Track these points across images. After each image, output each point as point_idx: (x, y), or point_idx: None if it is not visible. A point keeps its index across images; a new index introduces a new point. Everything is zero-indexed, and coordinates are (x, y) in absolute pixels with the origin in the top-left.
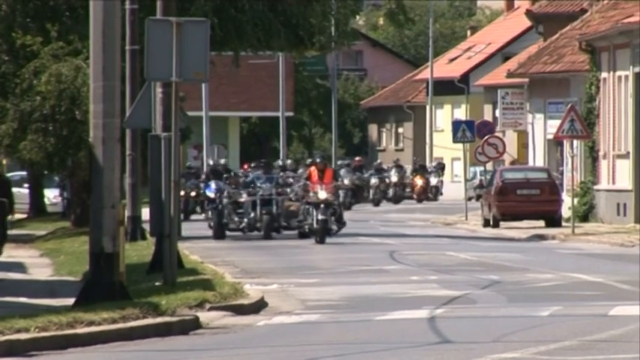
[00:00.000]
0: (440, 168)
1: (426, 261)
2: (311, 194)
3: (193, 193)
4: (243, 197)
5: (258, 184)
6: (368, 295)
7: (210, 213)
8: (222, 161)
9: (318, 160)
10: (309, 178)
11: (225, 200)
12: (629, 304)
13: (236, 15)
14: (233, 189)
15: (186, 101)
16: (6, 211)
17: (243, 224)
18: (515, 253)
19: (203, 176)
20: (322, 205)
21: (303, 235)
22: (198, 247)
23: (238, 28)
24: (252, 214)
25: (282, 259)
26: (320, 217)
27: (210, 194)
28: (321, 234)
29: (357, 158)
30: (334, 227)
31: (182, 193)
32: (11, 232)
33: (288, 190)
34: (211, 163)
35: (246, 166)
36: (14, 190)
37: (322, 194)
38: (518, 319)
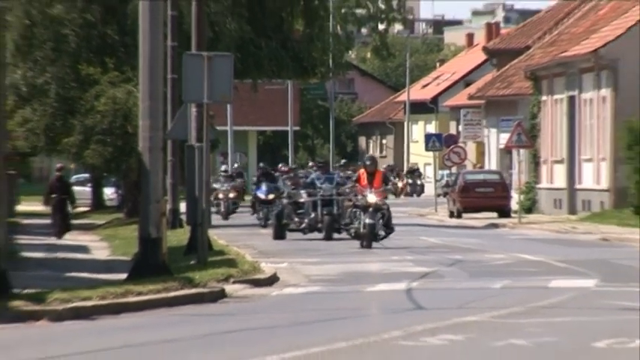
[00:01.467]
0: (414, 170)
1: (404, 244)
2: (359, 197)
3: (232, 195)
4: (304, 197)
5: (318, 185)
6: (359, 271)
7: (261, 213)
8: (236, 165)
9: (367, 162)
10: (358, 181)
11: (285, 200)
12: (564, 278)
13: (255, 51)
14: (293, 189)
15: (215, 118)
16: (67, 206)
17: (304, 225)
18: (474, 238)
19: (254, 178)
20: (371, 209)
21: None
22: (225, 233)
23: (257, 61)
24: (312, 215)
25: (289, 243)
26: (368, 221)
27: (261, 195)
28: (368, 239)
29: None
30: (382, 232)
31: (221, 195)
32: (76, 221)
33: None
34: (236, 165)
35: (284, 168)
36: (80, 188)
37: (371, 198)
38: (477, 290)
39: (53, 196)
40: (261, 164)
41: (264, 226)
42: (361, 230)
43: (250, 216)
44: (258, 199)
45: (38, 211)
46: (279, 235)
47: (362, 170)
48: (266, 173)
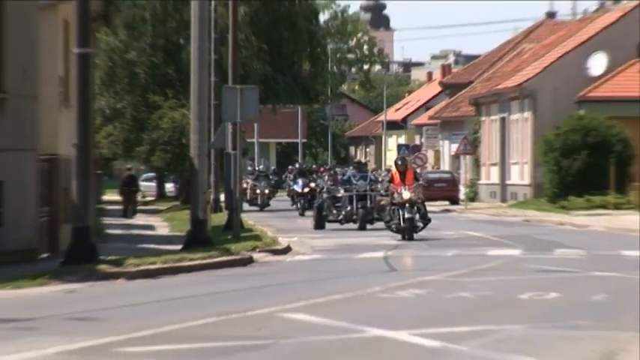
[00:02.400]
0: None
1: (382, 225)
2: (395, 195)
3: (267, 191)
4: (341, 193)
5: (354, 182)
6: (349, 244)
7: (299, 204)
8: (261, 167)
9: (399, 162)
10: (391, 180)
11: (324, 195)
12: (498, 249)
13: (274, 84)
14: (331, 185)
15: (245, 133)
16: (136, 196)
17: (341, 216)
18: (433, 220)
19: (291, 175)
20: (407, 205)
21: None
22: (253, 216)
23: (275, 92)
24: (348, 208)
25: (301, 223)
26: (407, 215)
27: (298, 189)
28: (409, 232)
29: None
30: (420, 224)
31: (258, 191)
32: (144, 207)
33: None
34: (261, 167)
35: (322, 168)
36: (148, 183)
37: (406, 194)
38: (435, 257)
39: (125, 188)
40: (297, 164)
41: (302, 214)
42: (401, 225)
43: (291, 206)
44: (296, 192)
45: (117, 200)
46: (319, 225)
47: (394, 170)
48: (301, 171)
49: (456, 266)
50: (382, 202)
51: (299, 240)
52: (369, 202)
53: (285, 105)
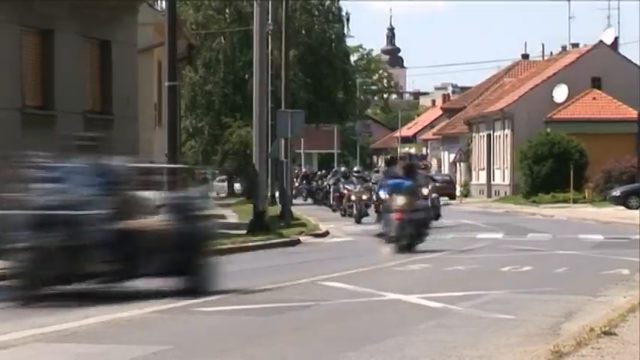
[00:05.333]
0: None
1: None
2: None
3: (364, 197)
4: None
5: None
6: (374, 229)
7: (354, 209)
8: (356, 168)
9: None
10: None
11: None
12: (485, 233)
13: (316, 109)
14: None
15: (294, 145)
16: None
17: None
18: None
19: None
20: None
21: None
22: (301, 208)
23: (317, 114)
24: None
25: (334, 216)
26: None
27: (383, 195)
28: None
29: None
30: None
31: (353, 197)
32: (217, 202)
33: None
34: (305, 170)
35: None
36: (221, 184)
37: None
38: (438, 239)
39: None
40: (356, 168)
41: (359, 222)
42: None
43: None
44: (380, 199)
45: None
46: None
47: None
48: (345, 175)
49: (453, 246)
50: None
51: (335, 226)
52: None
53: (324, 124)
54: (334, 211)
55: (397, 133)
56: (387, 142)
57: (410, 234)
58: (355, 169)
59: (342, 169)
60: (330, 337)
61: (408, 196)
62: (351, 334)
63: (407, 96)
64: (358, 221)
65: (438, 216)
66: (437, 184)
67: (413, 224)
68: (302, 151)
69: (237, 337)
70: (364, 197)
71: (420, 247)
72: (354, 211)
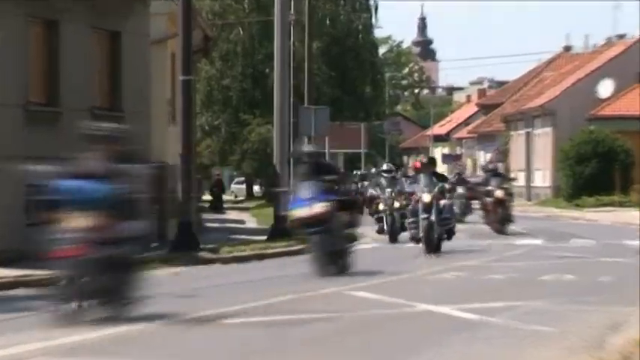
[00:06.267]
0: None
1: None
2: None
3: (397, 204)
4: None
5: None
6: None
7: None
8: (385, 166)
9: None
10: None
11: None
12: (524, 239)
13: (342, 105)
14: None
15: (318, 144)
16: (222, 195)
17: None
18: (471, 216)
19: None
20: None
21: None
22: None
23: (342, 111)
24: None
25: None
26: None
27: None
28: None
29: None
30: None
31: (382, 206)
32: (236, 205)
33: None
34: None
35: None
36: (239, 186)
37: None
38: (473, 245)
39: (214, 189)
40: (385, 165)
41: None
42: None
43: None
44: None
45: (209, 199)
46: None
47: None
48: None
49: (489, 253)
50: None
51: (361, 232)
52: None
53: (350, 122)
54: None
55: (429, 132)
56: (418, 140)
57: None
58: (384, 166)
59: (372, 169)
60: (355, 349)
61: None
62: (377, 347)
63: (440, 91)
64: (392, 239)
65: (451, 233)
66: (468, 187)
67: (98, 268)
68: (327, 150)
69: (255, 352)
70: (397, 205)
71: (455, 253)
72: (385, 226)
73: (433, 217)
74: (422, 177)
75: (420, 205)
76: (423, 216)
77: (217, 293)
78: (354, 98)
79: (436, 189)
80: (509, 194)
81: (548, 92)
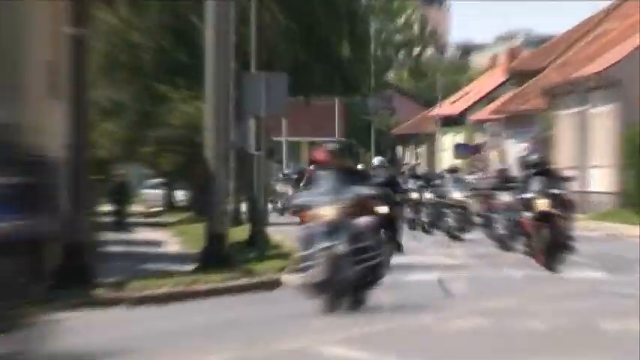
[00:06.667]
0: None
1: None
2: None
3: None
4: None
5: None
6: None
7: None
8: (376, 160)
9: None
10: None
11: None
12: (576, 269)
13: (307, 72)
14: None
15: (272, 129)
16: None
17: None
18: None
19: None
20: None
21: None
22: (284, 229)
23: (308, 80)
24: None
25: None
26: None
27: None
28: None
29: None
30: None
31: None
32: (149, 219)
33: None
34: (287, 171)
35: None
36: (152, 191)
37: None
38: (502, 278)
39: (116, 196)
40: (376, 160)
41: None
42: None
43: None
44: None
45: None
46: None
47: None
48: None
49: (524, 290)
50: None
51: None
52: None
53: (320, 96)
54: None
55: (435, 111)
56: (418, 124)
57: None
58: (375, 162)
59: None
60: None
61: None
62: None
63: (451, 51)
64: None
65: (377, 275)
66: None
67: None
68: (284, 138)
69: None
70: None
71: (474, 290)
72: None
73: (341, 247)
74: (324, 176)
75: (318, 227)
76: (321, 245)
77: (118, 351)
78: (325, 62)
79: (350, 197)
80: (566, 204)
81: (609, 54)
